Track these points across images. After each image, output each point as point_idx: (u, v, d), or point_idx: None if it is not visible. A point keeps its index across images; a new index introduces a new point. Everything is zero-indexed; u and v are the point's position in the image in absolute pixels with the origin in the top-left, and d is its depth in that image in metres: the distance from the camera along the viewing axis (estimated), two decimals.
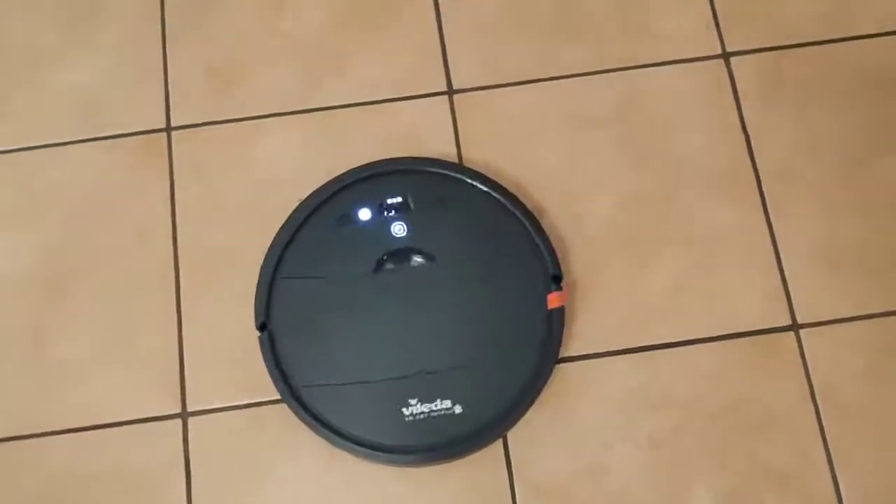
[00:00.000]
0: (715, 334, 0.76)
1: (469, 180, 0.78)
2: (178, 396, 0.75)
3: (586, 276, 0.78)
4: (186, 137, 0.82)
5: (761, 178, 0.81)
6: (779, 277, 0.78)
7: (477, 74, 0.84)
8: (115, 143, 0.83)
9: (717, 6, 0.86)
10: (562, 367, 0.75)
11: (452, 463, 0.73)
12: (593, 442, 0.74)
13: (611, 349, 0.76)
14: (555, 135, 0.82)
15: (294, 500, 0.73)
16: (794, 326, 0.77)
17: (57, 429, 0.75)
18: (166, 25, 0.86)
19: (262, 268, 0.76)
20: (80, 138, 0.83)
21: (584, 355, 0.76)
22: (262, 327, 0.75)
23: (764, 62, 0.84)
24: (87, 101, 0.84)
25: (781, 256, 0.78)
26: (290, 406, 0.73)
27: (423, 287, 0.75)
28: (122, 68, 0.85)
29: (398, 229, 0.76)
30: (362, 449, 0.71)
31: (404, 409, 0.72)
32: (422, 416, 0.72)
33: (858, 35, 0.85)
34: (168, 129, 0.83)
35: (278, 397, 0.73)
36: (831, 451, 0.74)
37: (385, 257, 0.76)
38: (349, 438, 0.72)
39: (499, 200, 0.77)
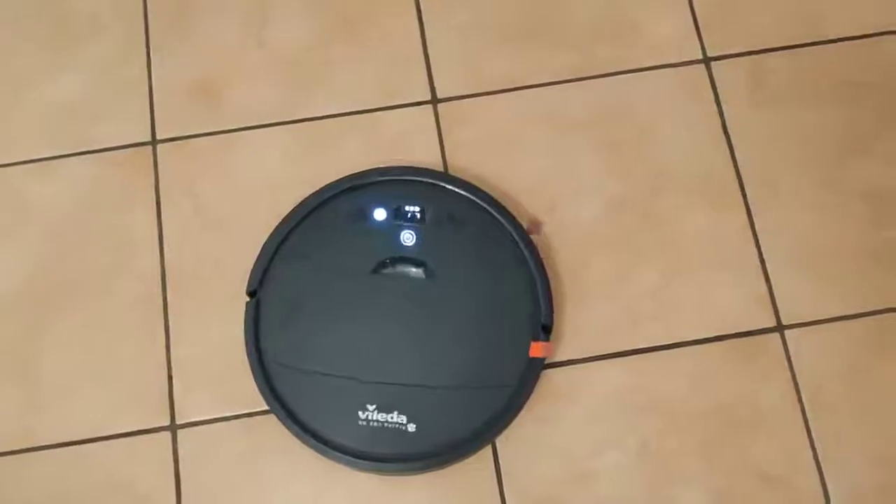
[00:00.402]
0: (701, 337, 0.77)
1: (489, 208, 0.77)
2: (167, 409, 0.75)
3: (572, 281, 0.78)
4: (172, 150, 0.83)
5: (744, 180, 0.81)
6: (763, 279, 0.79)
7: (461, 83, 0.85)
8: (102, 157, 0.83)
9: (697, 12, 0.87)
10: (549, 373, 0.76)
11: (440, 471, 0.73)
12: (582, 447, 0.74)
13: (598, 354, 0.76)
14: (540, 141, 0.83)
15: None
16: (779, 327, 0.77)
17: (45, 444, 0.75)
18: (150, 39, 0.86)
19: (267, 241, 0.76)
20: (66, 153, 0.83)
21: (570, 360, 0.76)
22: (251, 294, 0.75)
23: (744, 66, 0.85)
24: (72, 115, 0.84)
25: (765, 258, 0.79)
26: (256, 380, 0.73)
27: (413, 300, 0.75)
28: (106, 82, 0.85)
29: (407, 237, 0.76)
30: (308, 437, 0.72)
31: (360, 412, 0.72)
32: (375, 423, 0.72)
33: (834, 38, 0.86)
34: (154, 141, 0.83)
35: (267, 408, 0.74)
36: (818, 449, 0.74)
37: (387, 261, 0.76)
38: (300, 424, 0.72)
39: (511, 234, 0.77)
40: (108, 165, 0.82)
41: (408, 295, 0.75)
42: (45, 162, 0.83)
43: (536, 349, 0.73)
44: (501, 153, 0.82)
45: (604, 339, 0.77)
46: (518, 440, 0.74)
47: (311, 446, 0.72)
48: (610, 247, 0.80)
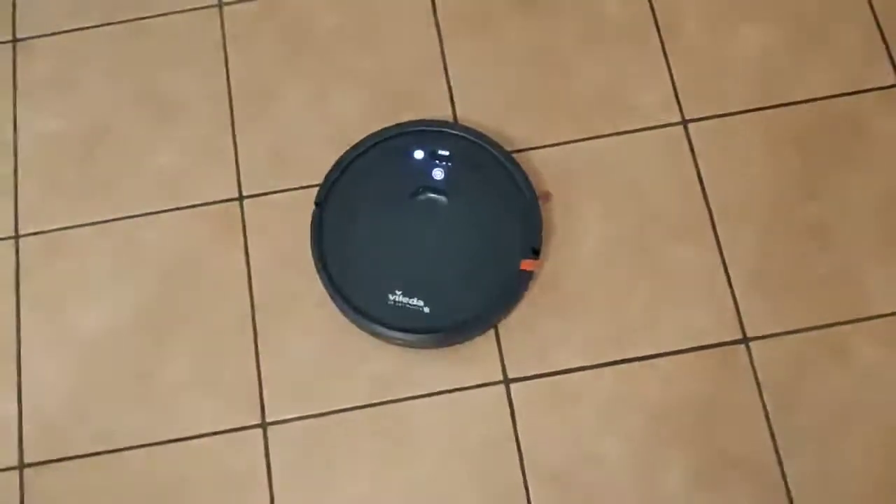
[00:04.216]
0: (681, 348, 0.95)
1: (502, 158, 0.99)
2: (259, 410, 0.95)
3: (576, 303, 0.97)
4: (256, 204, 1.02)
5: (715, 220, 0.99)
6: (731, 300, 0.96)
7: None
8: (198, 211, 1.02)
9: (676, 83, 1.05)
10: (556, 379, 0.94)
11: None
12: (586, 436, 0.92)
13: (598, 362, 0.95)
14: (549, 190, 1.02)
15: (360, 488, 0.92)
16: (745, 339, 0.95)
17: (162, 439, 0.94)
18: (234, 116, 1.06)
19: (334, 166, 0.99)
20: (172, 207, 1.02)
21: (577, 367, 0.95)
22: (318, 204, 0.97)
23: (715, 127, 1.03)
24: (174, 177, 1.03)
25: (732, 283, 0.97)
26: (316, 265, 0.96)
27: (437, 218, 0.97)
28: (202, 150, 1.04)
29: (438, 174, 0.98)
30: (351, 311, 0.93)
31: (390, 295, 0.94)
32: (400, 304, 0.94)
33: (791, 101, 1.03)
34: (241, 197, 1.03)
35: (342, 407, 0.93)
36: (777, 439, 0.91)
37: (420, 189, 0.98)
38: (346, 300, 0.94)
39: (516, 180, 0.98)
40: (204, 217, 1.02)
41: (433, 214, 0.97)
42: (152, 216, 1.03)
43: (527, 264, 0.95)
44: None
45: (602, 350, 0.95)
46: (536, 429, 0.93)
47: (352, 319, 0.94)
48: (605, 275, 0.98)
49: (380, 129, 1.01)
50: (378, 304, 0.94)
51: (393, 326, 0.93)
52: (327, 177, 0.99)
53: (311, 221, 0.97)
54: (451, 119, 1.05)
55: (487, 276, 0.95)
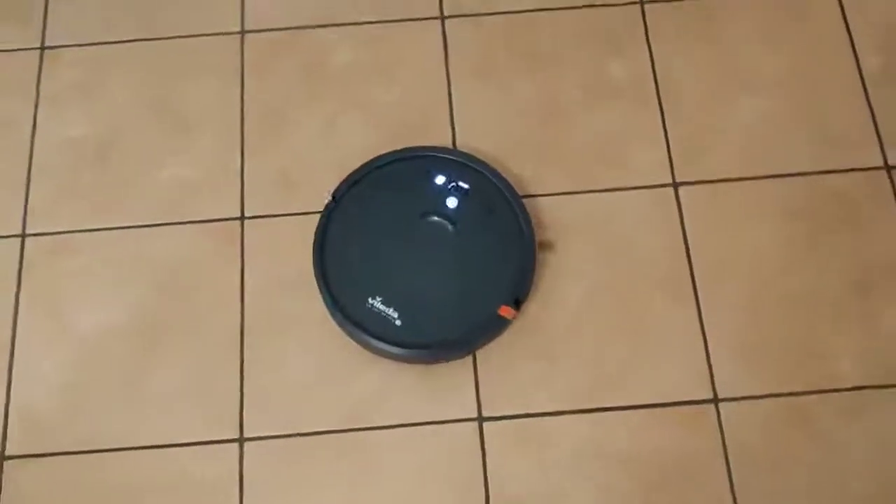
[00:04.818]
0: (652, 402, 0.98)
1: (514, 204, 1.03)
2: (237, 426, 0.98)
3: (556, 349, 1.00)
4: (256, 225, 1.06)
5: (696, 282, 1.03)
6: (705, 361, 1.00)
7: None
8: (200, 227, 1.06)
9: (671, 148, 1.09)
10: (530, 421, 0.97)
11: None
12: (553, 479, 0.95)
13: (572, 409, 0.98)
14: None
15: None
16: (715, 400, 0.98)
17: (144, 444, 0.97)
18: (244, 137, 1.10)
19: (359, 168, 1.05)
20: (173, 221, 1.06)
21: (550, 412, 0.98)
22: (333, 198, 1.03)
23: (705, 191, 1.07)
24: (181, 192, 1.07)
25: (708, 344, 1.00)
26: (314, 260, 1.01)
27: (438, 243, 1.01)
28: (208, 167, 1.09)
29: (451, 202, 1.03)
30: (331, 303, 0.98)
31: (370, 299, 0.98)
32: (376, 310, 0.98)
33: (780, 174, 1.08)
34: (242, 217, 1.07)
35: (320, 429, 0.96)
36: (737, 496, 0.94)
37: (431, 212, 1.02)
38: (330, 292, 0.99)
39: (521, 228, 1.02)
40: (205, 234, 1.06)
41: (436, 238, 1.02)
42: (155, 227, 1.06)
43: (505, 311, 0.98)
44: None
45: (576, 398, 0.98)
46: (505, 460, 0.95)
47: (330, 311, 0.99)
48: (588, 324, 1.01)
49: (410, 146, 1.07)
50: (358, 305, 0.98)
51: (363, 328, 0.97)
52: (349, 177, 1.04)
53: (321, 216, 1.02)
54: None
55: (466, 310, 0.98)
